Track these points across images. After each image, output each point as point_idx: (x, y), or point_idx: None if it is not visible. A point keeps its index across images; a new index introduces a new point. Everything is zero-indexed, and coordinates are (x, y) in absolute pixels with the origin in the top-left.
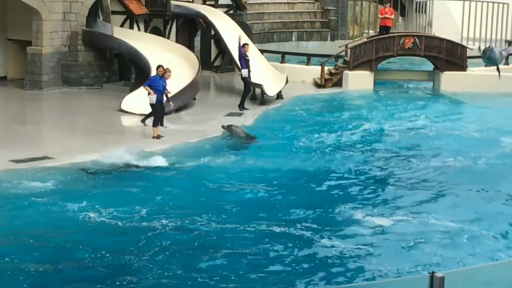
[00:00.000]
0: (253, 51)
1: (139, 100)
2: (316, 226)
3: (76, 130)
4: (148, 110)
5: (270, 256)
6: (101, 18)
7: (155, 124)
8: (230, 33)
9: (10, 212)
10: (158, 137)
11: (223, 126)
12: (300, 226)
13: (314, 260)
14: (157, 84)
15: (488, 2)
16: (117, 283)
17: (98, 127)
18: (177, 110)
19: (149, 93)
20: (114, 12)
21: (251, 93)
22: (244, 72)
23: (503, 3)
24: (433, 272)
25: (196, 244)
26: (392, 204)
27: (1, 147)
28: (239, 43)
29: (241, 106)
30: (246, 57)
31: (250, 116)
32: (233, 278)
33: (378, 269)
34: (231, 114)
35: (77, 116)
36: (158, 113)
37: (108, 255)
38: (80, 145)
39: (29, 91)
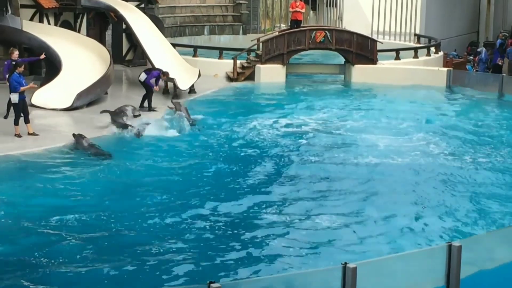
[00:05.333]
0: (165, 45)
1: (50, 95)
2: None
3: None
4: (61, 104)
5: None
6: (9, 12)
7: (16, 123)
8: (142, 27)
9: None
10: (20, 135)
11: (73, 134)
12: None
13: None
14: (21, 82)
15: None
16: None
17: (6, 122)
18: (88, 104)
19: (12, 92)
20: (23, 6)
21: (164, 88)
22: (142, 76)
23: None
24: (345, 263)
25: None
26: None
27: None
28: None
29: (149, 107)
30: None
31: (161, 112)
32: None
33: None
34: (143, 109)
35: None
36: (19, 111)
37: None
38: None
39: None
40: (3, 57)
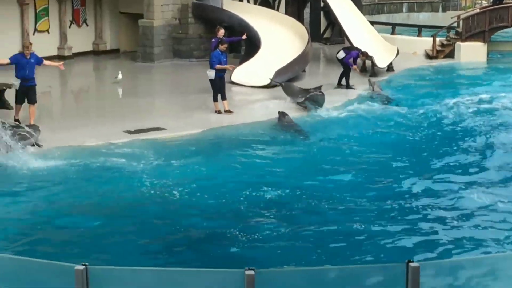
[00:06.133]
0: (363, 23)
1: (249, 72)
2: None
3: (187, 102)
4: (260, 81)
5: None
6: None
7: (215, 99)
8: (340, 4)
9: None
10: (220, 112)
11: (279, 112)
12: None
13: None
14: (220, 60)
15: None
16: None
17: (208, 100)
18: (288, 81)
19: (210, 68)
20: None
21: (362, 66)
22: (340, 54)
23: None
24: None
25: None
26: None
27: (115, 118)
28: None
29: (347, 85)
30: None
31: (359, 90)
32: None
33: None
34: (341, 87)
35: (187, 88)
36: (217, 87)
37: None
38: (190, 116)
39: (141, 64)
40: (204, 35)
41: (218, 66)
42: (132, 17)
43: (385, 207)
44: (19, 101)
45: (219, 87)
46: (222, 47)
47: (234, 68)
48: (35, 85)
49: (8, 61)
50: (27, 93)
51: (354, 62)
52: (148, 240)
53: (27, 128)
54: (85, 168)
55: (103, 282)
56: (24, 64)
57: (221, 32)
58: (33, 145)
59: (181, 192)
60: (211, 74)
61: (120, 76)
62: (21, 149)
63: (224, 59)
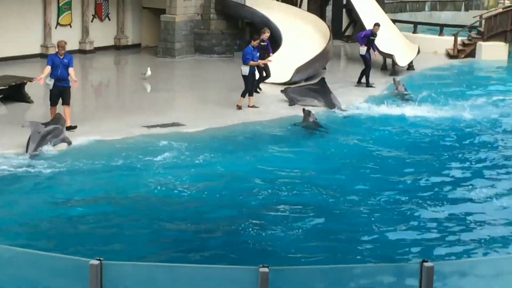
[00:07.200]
0: (385, 21)
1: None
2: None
3: (207, 98)
4: (281, 78)
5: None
6: None
7: (243, 95)
8: (363, 2)
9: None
10: (240, 108)
11: (304, 110)
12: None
13: None
14: (253, 56)
15: None
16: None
17: (228, 95)
18: (306, 79)
19: (243, 64)
20: None
21: (382, 64)
22: (362, 49)
23: None
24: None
25: None
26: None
27: (134, 113)
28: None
29: (367, 83)
30: (372, 37)
31: (379, 88)
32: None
33: None
34: (361, 85)
35: (208, 84)
36: (249, 84)
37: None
38: (209, 112)
39: (162, 59)
40: (225, 31)
41: (252, 62)
42: (155, 12)
43: (399, 206)
44: (53, 102)
45: (251, 83)
46: (255, 42)
47: (270, 62)
48: (70, 86)
49: (49, 68)
50: (61, 94)
51: (371, 42)
52: (159, 236)
53: (60, 127)
54: (101, 164)
55: (117, 277)
56: (57, 64)
57: (267, 34)
58: (63, 141)
59: (194, 188)
60: (245, 70)
61: (149, 72)
62: (55, 146)
63: (257, 55)
